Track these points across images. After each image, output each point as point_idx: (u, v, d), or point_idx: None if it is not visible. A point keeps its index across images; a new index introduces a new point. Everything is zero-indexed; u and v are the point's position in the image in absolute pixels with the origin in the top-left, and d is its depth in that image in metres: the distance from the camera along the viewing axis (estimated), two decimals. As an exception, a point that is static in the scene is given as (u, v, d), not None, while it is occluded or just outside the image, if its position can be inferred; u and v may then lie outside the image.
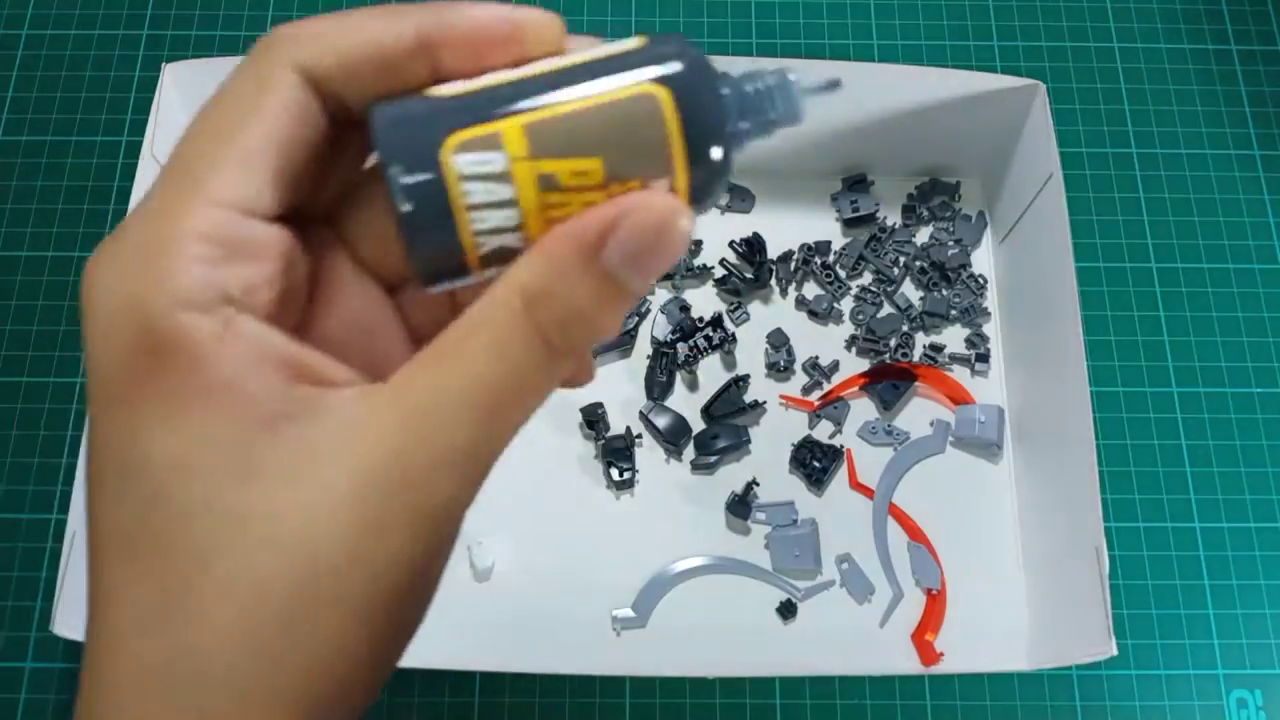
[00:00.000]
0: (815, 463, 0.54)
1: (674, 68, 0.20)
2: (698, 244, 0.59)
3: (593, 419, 0.54)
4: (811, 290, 0.58)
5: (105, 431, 0.18)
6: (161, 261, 0.18)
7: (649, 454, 0.55)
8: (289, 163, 0.19)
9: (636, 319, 0.57)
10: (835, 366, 0.56)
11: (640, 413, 0.55)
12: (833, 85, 0.21)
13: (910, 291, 0.58)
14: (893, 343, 0.57)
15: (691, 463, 0.54)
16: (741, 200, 0.60)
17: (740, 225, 0.59)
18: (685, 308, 0.57)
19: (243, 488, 0.18)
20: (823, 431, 0.55)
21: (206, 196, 0.18)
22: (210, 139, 0.19)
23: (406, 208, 0.19)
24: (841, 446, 0.55)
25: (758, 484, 0.54)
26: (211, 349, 0.18)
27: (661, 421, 0.54)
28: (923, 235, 0.59)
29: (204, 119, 0.19)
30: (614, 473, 0.53)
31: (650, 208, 0.19)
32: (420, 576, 0.20)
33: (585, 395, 0.55)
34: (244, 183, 0.19)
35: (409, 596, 0.19)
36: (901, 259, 0.59)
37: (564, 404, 0.54)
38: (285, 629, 0.18)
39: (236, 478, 0.18)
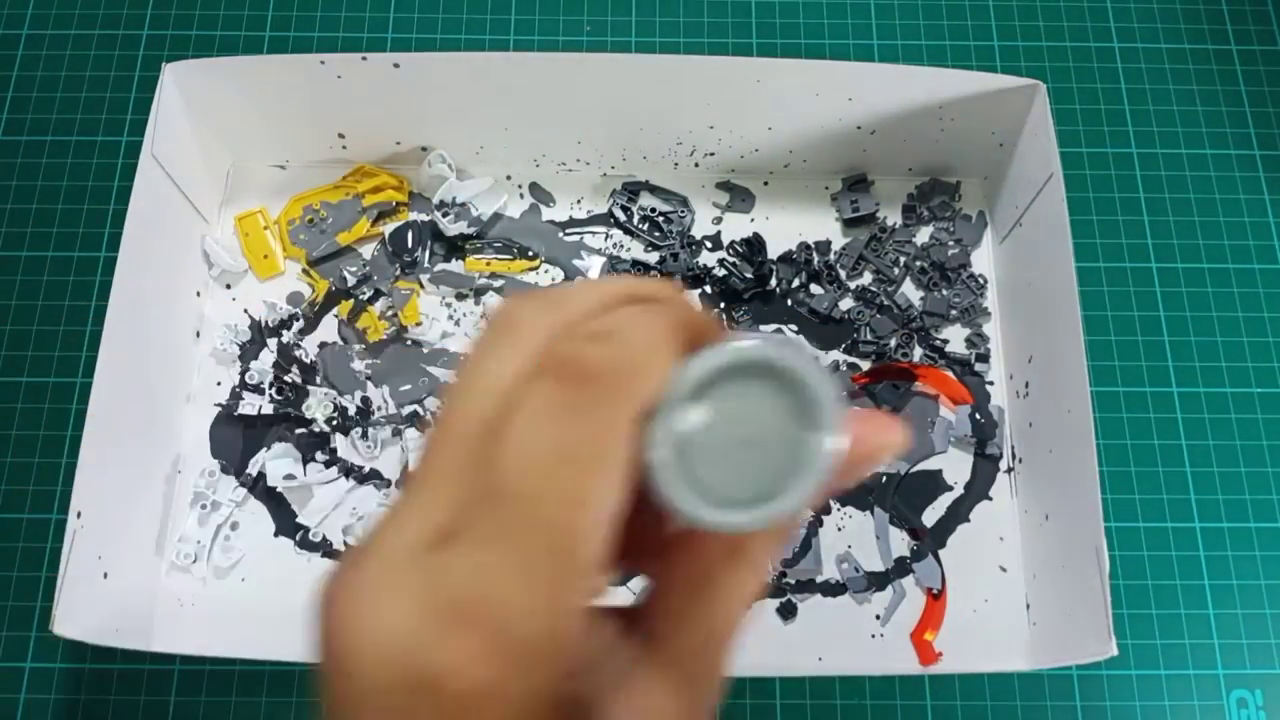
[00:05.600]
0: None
1: None
2: (698, 244, 0.59)
3: None
4: (812, 290, 0.58)
5: None
6: (562, 642, 0.17)
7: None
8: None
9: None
10: (835, 366, 0.56)
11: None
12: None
13: (910, 291, 0.58)
14: (893, 343, 0.57)
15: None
16: (741, 200, 0.60)
17: (740, 225, 0.59)
18: (685, 308, 0.57)
19: None
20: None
21: (585, 568, 0.17)
22: (573, 504, 0.17)
23: None
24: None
25: (758, 484, 0.54)
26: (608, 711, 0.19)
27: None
28: (923, 235, 0.59)
29: (553, 464, 0.17)
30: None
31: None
32: None
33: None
34: (602, 549, 0.18)
35: None
36: (901, 259, 0.59)
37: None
38: None
39: None
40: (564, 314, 0.19)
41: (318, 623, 0.17)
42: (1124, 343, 0.57)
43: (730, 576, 0.20)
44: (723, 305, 0.57)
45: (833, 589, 0.52)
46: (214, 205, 0.59)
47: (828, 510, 0.54)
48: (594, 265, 0.59)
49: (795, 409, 0.19)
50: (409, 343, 0.57)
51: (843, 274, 0.58)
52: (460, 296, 0.58)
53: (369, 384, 0.56)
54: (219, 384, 0.56)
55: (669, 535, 0.21)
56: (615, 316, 0.19)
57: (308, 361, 0.56)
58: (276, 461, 0.53)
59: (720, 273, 0.58)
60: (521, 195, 0.60)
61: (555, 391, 0.17)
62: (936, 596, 0.52)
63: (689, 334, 0.19)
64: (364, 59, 0.52)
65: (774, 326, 0.57)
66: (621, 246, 0.59)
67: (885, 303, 0.58)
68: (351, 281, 0.57)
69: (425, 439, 0.19)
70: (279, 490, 0.53)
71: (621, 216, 0.59)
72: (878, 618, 0.52)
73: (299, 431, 0.55)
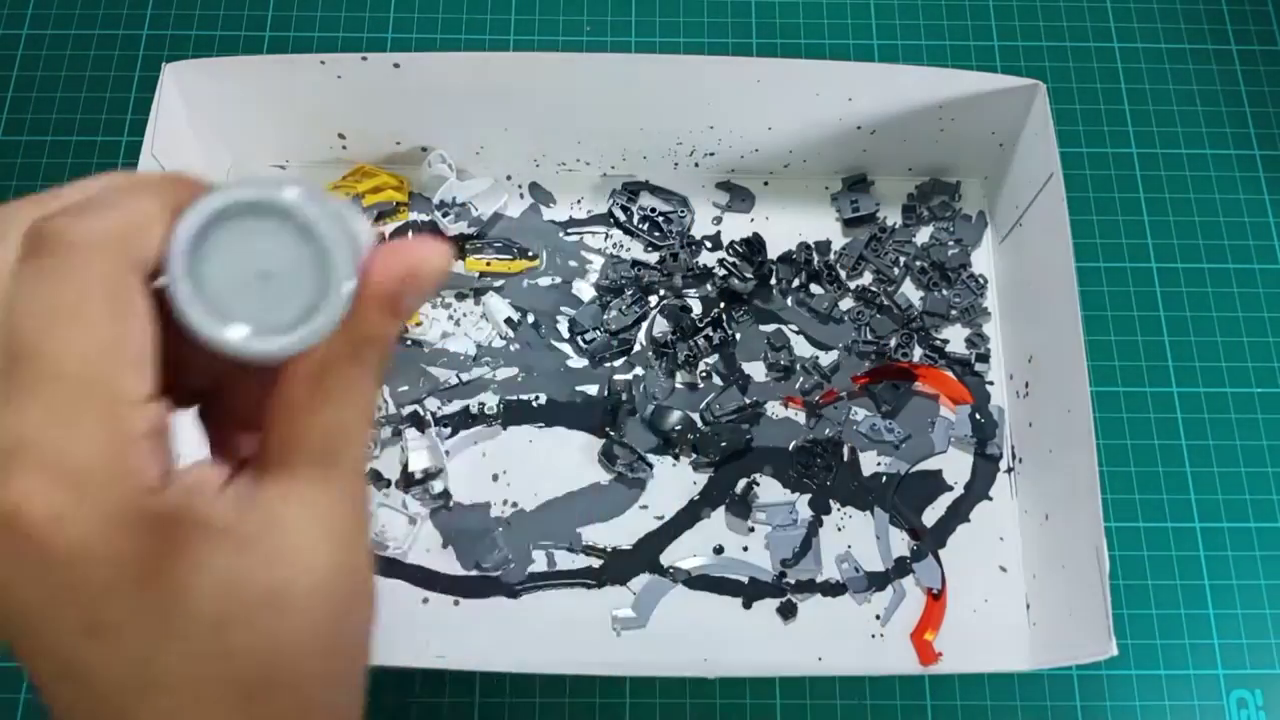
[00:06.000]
0: (815, 462, 0.54)
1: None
2: (698, 244, 0.59)
3: (615, 405, 0.54)
4: (812, 290, 0.58)
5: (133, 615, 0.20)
6: (127, 465, 0.20)
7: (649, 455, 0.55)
8: (158, 352, 0.21)
9: (636, 319, 0.57)
10: (835, 367, 0.56)
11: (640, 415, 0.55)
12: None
13: (910, 291, 0.58)
14: (893, 343, 0.57)
15: (692, 463, 0.54)
16: (741, 200, 0.60)
17: (740, 225, 0.59)
18: (685, 308, 0.57)
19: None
20: (823, 431, 0.55)
21: (124, 401, 0.20)
22: (91, 353, 0.20)
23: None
24: (842, 446, 0.55)
25: (758, 484, 0.54)
26: (206, 513, 0.21)
27: (661, 422, 0.54)
28: (923, 235, 0.59)
29: (57, 328, 0.20)
30: (628, 469, 0.53)
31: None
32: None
33: (598, 389, 0.55)
34: (142, 384, 0.20)
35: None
36: (901, 259, 0.59)
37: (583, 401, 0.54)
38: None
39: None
40: (54, 205, 0.21)
41: None
42: (1124, 343, 0.57)
43: (322, 395, 0.22)
44: (722, 305, 0.57)
45: (833, 589, 0.52)
46: (214, 205, 0.59)
47: (827, 510, 0.54)
48: (594, 265, 0.59)
49: (301, 241, 0.21)
50: (409, 343, 0.57)
51: (843, 274, 0.58)
52: (460, 296, 0.58)
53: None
54: (219, 384, 0.56)
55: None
56: (101, 196, 0.21)
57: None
58: (276, 461, 0.53)
59: (720, 273, 0.58)
60: (521, 195, 0.60)
61: (34, 262, 0.20)
62: (936, 596, 0.52)
63: (180, 193, 0.21)
64: (364, 59, 0.52)
65: (774, 327, 0.57)
66: (621, 246, 0.59)
67: (885, 303, 0.58)
68: (351, 281, 0.57)
69: None
70: (279, 490, 0.53)
71: (621, 216, 0.59)
72: (878, 618, 0.52)
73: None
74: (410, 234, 0.58)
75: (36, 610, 0.20)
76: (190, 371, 0.23)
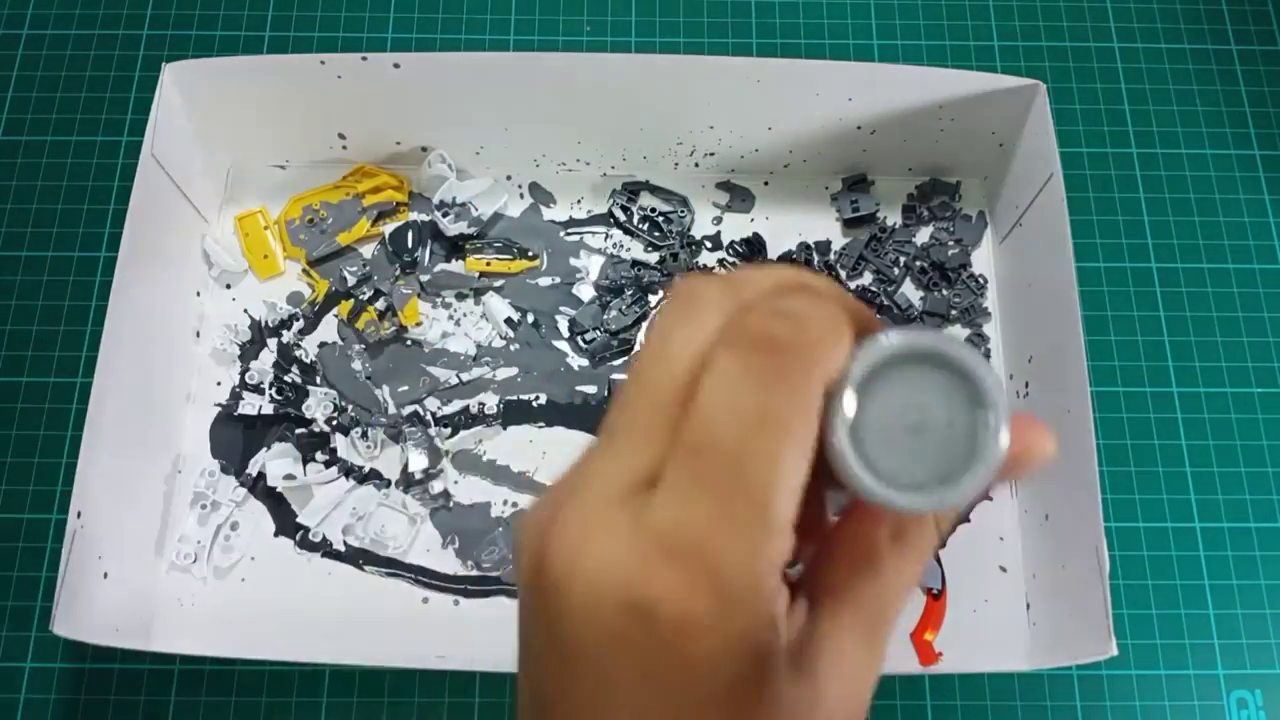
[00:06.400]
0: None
1: None
2: (698, 244, 0.59)
3: None
4: (811, 290, 0.58)
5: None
6: (767, 591, 0.19)
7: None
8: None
9: (636, 319, 0.57)
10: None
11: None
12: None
13: (910, 291, 0.58)
14: (893, 343, 0.57)
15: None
16: (741, 200, 0.60)
17: (740, 225, 0.59)
18: (685, 308, 0.57)
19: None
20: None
21: (780, 523, 0.19)
22: (778, 468, 0.19)
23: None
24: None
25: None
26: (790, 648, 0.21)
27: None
28: (923, 235, 0.59)
29: (763, 436, 0.19)
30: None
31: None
32: None
33: (597, 389, 0.55)
34: (793, 509, 0.19)
35: None
36: (901, 259, 0.59)
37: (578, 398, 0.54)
38: None
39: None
40: (743, 293, 0.21)
41: (525, 551, 0.20)
42: (1124, 343, 0.57)
43: (895, 560, 0.22)
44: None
45: (833, 589, 0.52)
46: (214, 205, 0.59)
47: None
48: (594, 265, 0.59)
49: (965, 401, 0.20)
50: (409, 343, 0.57)
51: (843, 274, 0.58)
52: (460, 296, 0.58)
53: (369, 384, 0.56)
54: (219, 384, 0.56)
55: (826, 519, 0.23)
56: (791, 299, 0.20)
57: (308, 361, 0.56)
58: (276, 461, 0.53)
59: (720, 273, 0.58)
60: (521, 195, 0.60)
61: (746, 359, 0.19)
62: (936, 596, 0.52)
63: (856, 322, 0.21)
64: (364, 59, 0.52)
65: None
66: (621, 246, 0.59)
67: (885, 303, 0.58)
68: (351, 281, 0.57)
69: (619, 396, 0.21)
70: (279, 490, 0.53)
71: (621, 216, 0.59)
72: (878, 618, 0.52)
73: (299, 431, 0.55)
74: (410, 234, 0.58)
75: (623, 695, 0.19)
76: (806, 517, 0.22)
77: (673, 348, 0.20)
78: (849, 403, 0.20)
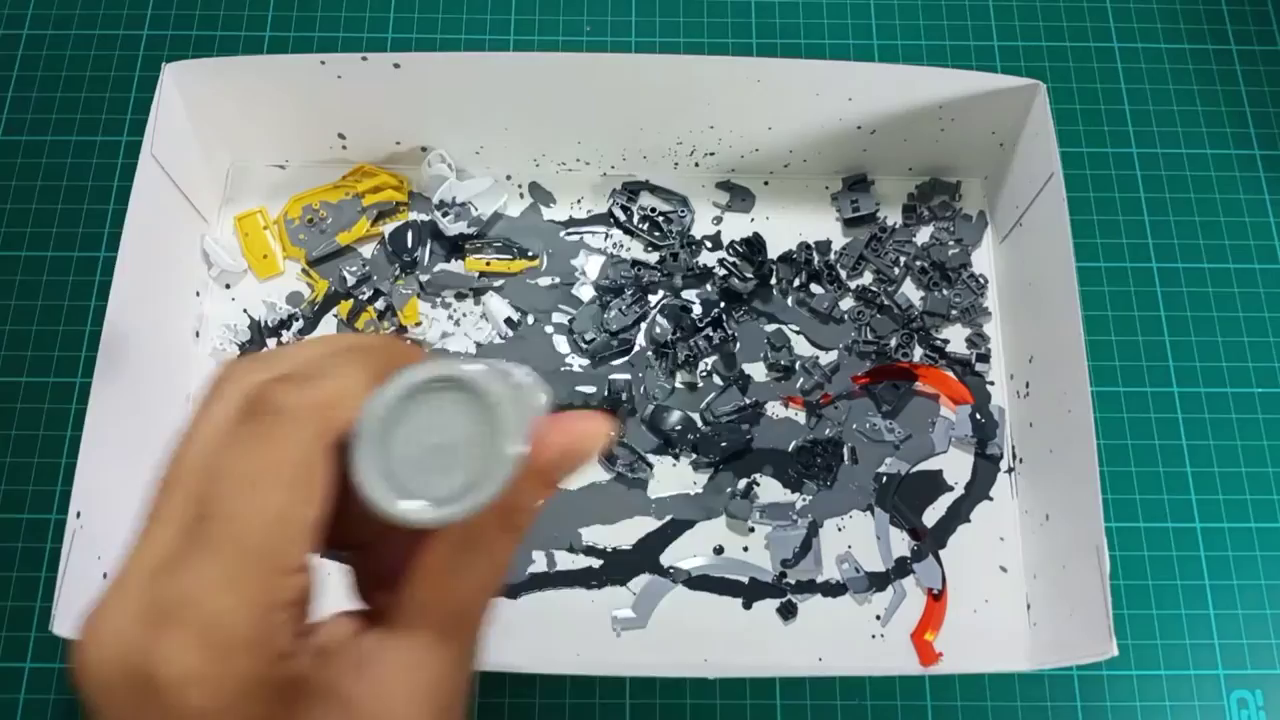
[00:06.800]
0: (815, 462, 0.54)
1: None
2: (698, 244, 0.59)
3: (615, 405, 0.54)
4: (812, 290, 0.58)
5: None
6: (267, 633, 0.21)
7: (649, 455, 0.55)
8: (327, 519, 0.22)
9: (636, 319, 0.57)
10: (835, 366, 0.56)
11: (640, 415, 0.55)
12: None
13: (910, 291, 0.58)
14: (893, 343, 0.57)
15: (692, 463, 0.54)
16: (741, 200, 0.60)
17: (740, 225, 0.59)
18: (685, 308, 0.57)
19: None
20: (823, 432, 0.55)
21: (282, 571, 0.21)
22: (272, 523, 0.21)
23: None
24: (842, 446, 0.55)
25: (758, 484, 0.54)
26: (327, 681, 0.22)
27: (661, 422, 0.54)
28: (923, 235, 0.59)
29: (253, 496, 0.21)
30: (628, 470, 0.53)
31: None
32: None
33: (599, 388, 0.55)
34: (302, 555, 0.21)
35: None
36: (902, 259, 0.59)
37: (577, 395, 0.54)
38: None
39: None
40: (276, 368, 0.22)
41: (74, 642, 0.21)
42: (1124, 343, 0.57)
43: (466, 564, 0.24)
44: (722, 305, 0.57)
45: (833, 589, 0.52)
46: (214, 205, 0.59)
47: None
48: (594, 265, 0.59)
49: (479, 415, 0.22)
50: (409, 343, 0.57)
51: (843, 274, 0.58)
52: (460, 296, 0.58)
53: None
54: (219, 384, 0.56)
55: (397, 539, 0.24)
56: (316, 363, 0.23)
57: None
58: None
59: (720, 273, 0.58)
60: (521, 195, 0.60)
61: (248, 426, 0.21)
62: (937, 597, 0.52)
63: (393, 368, 0.22)
64: (364, 59, 0.52)
65: (774, 327, 0.57)
66: (621, 246, 0.59)
67: (885, 303, 0.58)
68: (351, 281, 0.57)
69: (153, 485, 0.23)
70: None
71: (621, 216, 0.59)
72: (878, 618, 0.52)
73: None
74: (410, 234, 0.58)
75: None
76: (351, 528, 0.24)
77: (198, 427, 0.22)
78: (367, 439, 0.22)
